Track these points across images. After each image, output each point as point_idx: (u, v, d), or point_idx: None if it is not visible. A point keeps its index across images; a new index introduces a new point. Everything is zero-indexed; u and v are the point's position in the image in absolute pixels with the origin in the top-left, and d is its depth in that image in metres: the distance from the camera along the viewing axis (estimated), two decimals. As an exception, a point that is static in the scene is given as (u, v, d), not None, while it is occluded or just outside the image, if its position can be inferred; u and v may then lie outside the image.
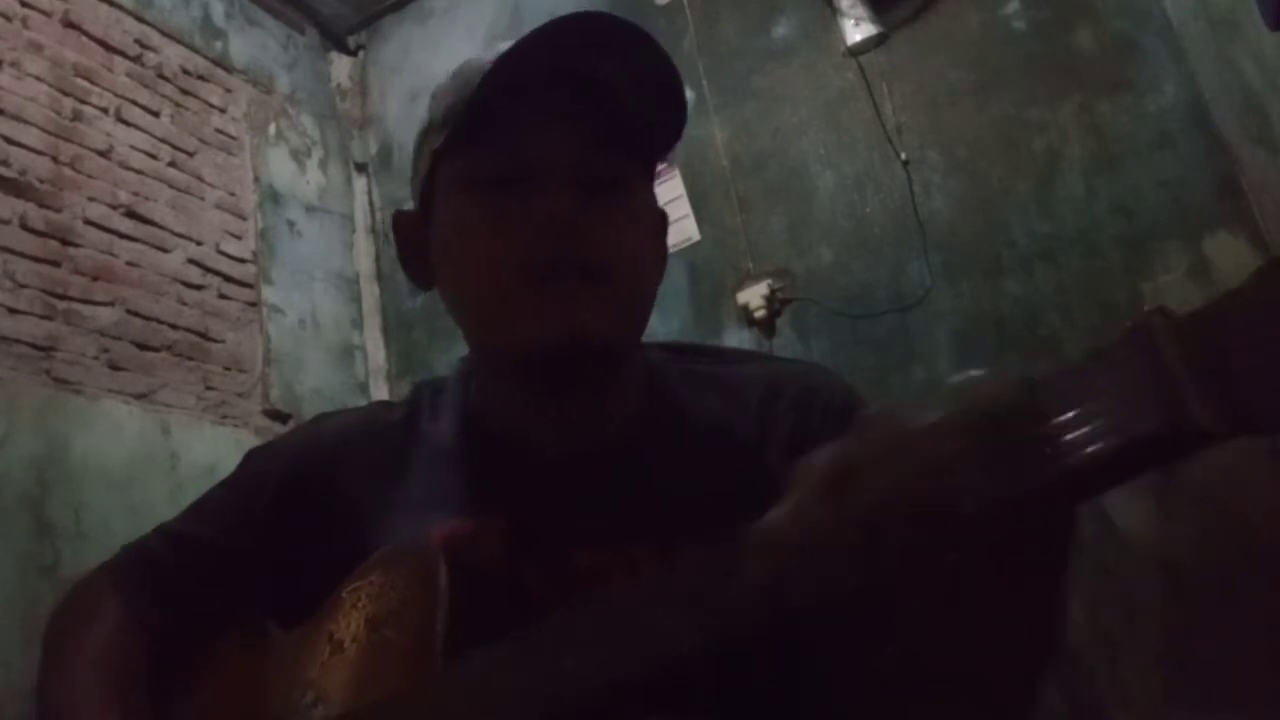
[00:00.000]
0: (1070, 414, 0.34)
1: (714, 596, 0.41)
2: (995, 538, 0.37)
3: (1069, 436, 0.34)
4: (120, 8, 2.86)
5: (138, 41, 2.89)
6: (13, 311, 2.31)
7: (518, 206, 0.64)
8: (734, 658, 0.44)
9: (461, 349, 0.74)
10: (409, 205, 0.75)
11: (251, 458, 0.79)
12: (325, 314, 3.35)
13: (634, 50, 0.64)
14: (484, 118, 0.64)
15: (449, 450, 0.71)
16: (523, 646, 0.47)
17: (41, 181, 2.47)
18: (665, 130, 0.69)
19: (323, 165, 3.58)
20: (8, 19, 2.50)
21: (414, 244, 0.73)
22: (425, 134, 0.70)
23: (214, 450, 2.66)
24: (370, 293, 3.52)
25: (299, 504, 0.72)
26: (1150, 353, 0.33)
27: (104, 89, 2.73)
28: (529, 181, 0.64)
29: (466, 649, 0.50)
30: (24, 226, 2.39)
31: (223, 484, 0.78)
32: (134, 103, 2.81)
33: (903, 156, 2.74)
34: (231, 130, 3.17)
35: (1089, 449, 0.33)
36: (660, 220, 0.75)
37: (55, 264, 2.44)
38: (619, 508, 0.65)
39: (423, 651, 0.54)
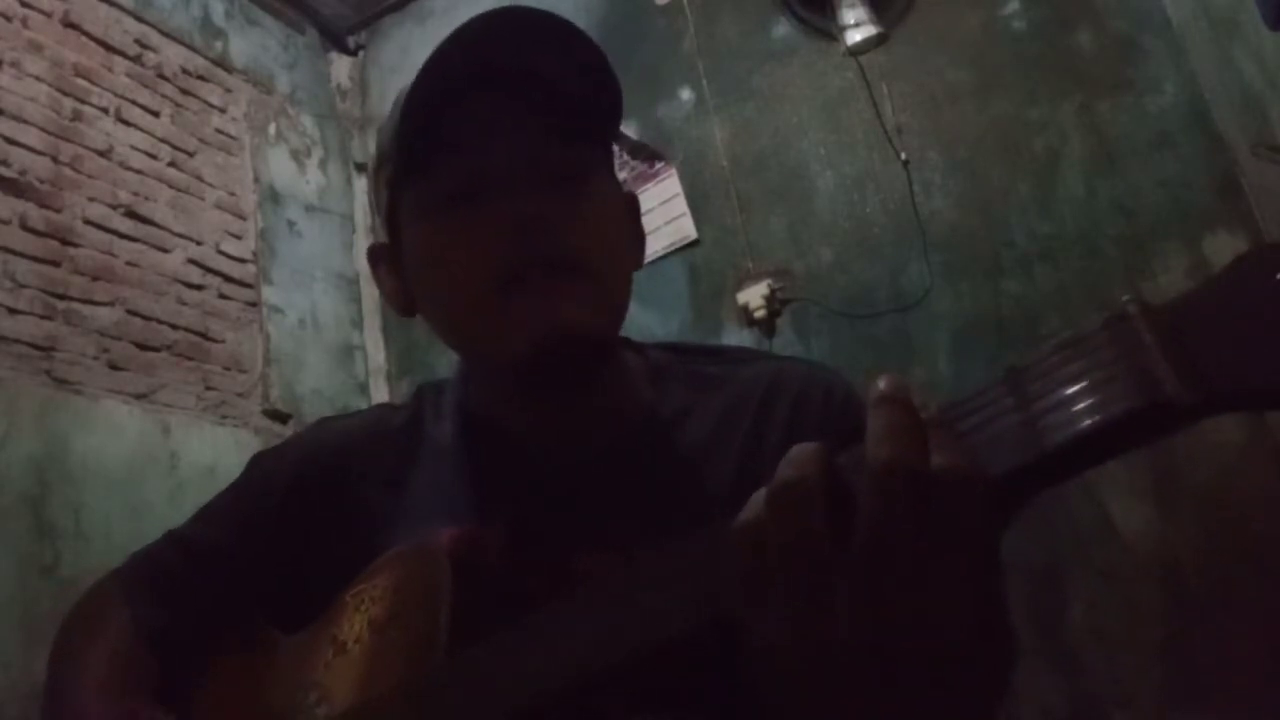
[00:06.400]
0: (1051, 396, 0.35)
1: (704, 577, 0.42)
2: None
3: (1050, 418, 0.35)
4: (120, 8, 2.86)
5: (138, 41, 2.89)
6: (13, 311, 2.31)
7: (480, 217, 0.63)
8: (726, 645, 0.44)
9: (461, 349, 0.75)
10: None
11: (257, 461, 0.79)
12: (325, 314, 3.35)
13: (557, 35, 0.63)
14: (429, 136, 0.64)
15: (451, 452, 0.71)
16: (515, 636, 0.48)
17: (41, 181, 2.46)
18: (606, 111, 0.68)
19: (323, 165, 3.58)
20: (8, 19, 2.50)
21: (391, 274, 0.73)
22: (378, 168, 0.70)
23: (214, 450, 2.66)
24: (370, 293, 3.52)
25: (306, 507, 0.72)
26: (1128, 336, 0.34)
27: (104, 89, 2.73)
28: (487, 190, 0.64)
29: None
30: (24, 226, 2.39)
31: (229, 488, 0.78)
32: (134, 103, 2.81)
33: (903, 156, 2.74)
34: (231, 130, 3.17)
35: (1070, 429, 0.34)
36: (628, 202, 0.74)
37: (55, 264, 2.44)
38: (621, 509, 0.65)
39: (426, 653, 0.54)
